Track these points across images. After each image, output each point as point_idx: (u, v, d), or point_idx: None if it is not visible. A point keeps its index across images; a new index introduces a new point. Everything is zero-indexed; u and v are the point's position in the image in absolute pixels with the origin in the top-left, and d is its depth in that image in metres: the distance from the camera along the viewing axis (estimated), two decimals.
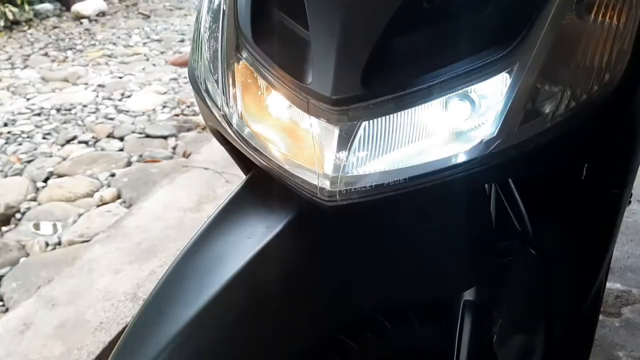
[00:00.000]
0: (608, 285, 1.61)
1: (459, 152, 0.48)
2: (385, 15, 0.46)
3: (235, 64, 0.55)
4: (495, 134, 0.47)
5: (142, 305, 0.54)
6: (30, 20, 6.14)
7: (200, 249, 0.57)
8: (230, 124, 0.57)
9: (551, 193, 0.63)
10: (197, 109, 3.41)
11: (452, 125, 0.49)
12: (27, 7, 6.18)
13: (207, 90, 0.60)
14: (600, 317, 1.51)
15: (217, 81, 0.57)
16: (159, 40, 5.34)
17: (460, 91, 0.47)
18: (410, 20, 0.46)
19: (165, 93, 3.78)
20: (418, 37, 0.47)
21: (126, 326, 1.53)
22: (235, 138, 0.57)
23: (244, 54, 0.54)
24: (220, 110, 0.57)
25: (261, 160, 0.55)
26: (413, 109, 0.47)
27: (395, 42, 0.46)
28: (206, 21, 0.61)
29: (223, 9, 0.57)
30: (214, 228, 0.58)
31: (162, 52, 4.92)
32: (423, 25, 0.47)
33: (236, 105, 0.56)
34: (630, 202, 1.29)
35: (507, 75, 0.46)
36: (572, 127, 0.48)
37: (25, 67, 4.52)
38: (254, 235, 0.55)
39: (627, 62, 0.49)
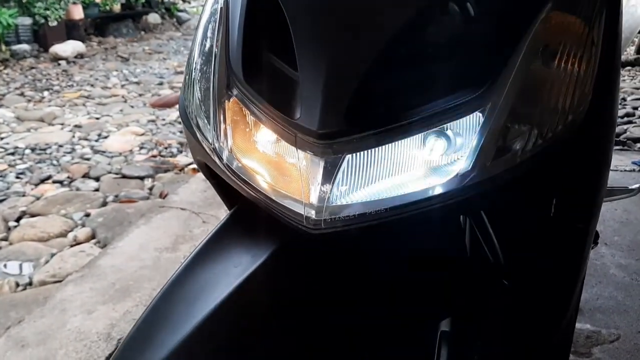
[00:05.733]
0: (578, 325, 1.64)
1: (436, 185, 0.52)
2: (369, 57, 0.50)
3: (226, 101, 0.58)
4: (469, 169, 0.51)
5: (131, 330, 0.56)
6: (7, 60, 6.15)
7: (188, 277, 0.59)
8: (220, 158, 0.60)
9: (522, 227, 0.66)
10: (174, 150, 3.43)
11: (429, 160, 0.52)
12: (3, 47, 6.20)
13: (197, 126, 0.63)
14: (572, 357, 1.54)
15: (208, 118, 0.61)
16: (137, 83, 5.39)
17: (437, 128, 0.51)
18: (392, 62, 0.51)
19: (142, 134, 3.80)
20: (398, 77, 0.51)
21: None
22: (225, 171, 0.60)
23: (235, 92, 0.57)
24: (210, 144, 0.60)
25: (250, 192, 0.58)
26: (393, 143, 0.51)
27: (377, 82, 0.50)
28: (197, 63, 0.65)
29: (215, 52, 0.61)
30: (201, 257, 0.61)
31: (140, 95, 4.96)
32: (403, 66, 0.51)
33: (226, 141, 0.59)
34: (597, 243, 1.34)
35: (480, 114, 0.51)
36: (539, 163, 0.53)
37: (0, 106, 4.50)
38: (240, 265, 0.58)
39: (588, 104, 0.53)
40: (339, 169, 0.51)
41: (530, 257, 0.65)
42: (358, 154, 0.51)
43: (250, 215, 0.63)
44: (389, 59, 0.50)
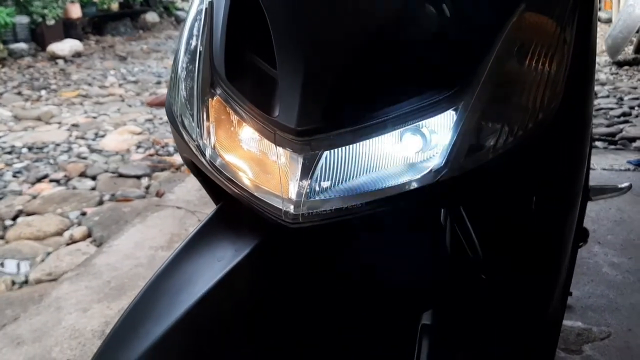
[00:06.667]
0: (570, 323, 1.65)
1: (411, 181, 0.53)
2: (346, 56, 0.51)
3: (210, 99, 0.60)
4: (443, 164, 0.52)
5: (117, 321, 0.57)
6: (4, 59, 6.15)
7: (173, 270, 0.60)
8: (204, 155, 0.61)
9: (502, 223, 0.68)
10: (171, 149, 3.44)
11: (405, 156, 0.54)
12: (1, 45, 6.20)
13: (183, 124, 0.64)
14: (562, 354, 1.55)
15: (192, 116, 0.62)
16: (134, 82, 5.40)
17: (412, 125, 0.52)
18: (368, 61, 0.52)
19: (140, 133, 3.80)
20: (375, 76, 0.52)
21: None
22: (209, 168, 0.61)
23: (218, 90, 0.59)
24: (195, 142, 0.62)
25: (232, 188, 0.59)
26: (369, 140, 0.52)
27: (354, 80, 0.52)
28: (183, 62, 0.66)
29: (200, 51, 0.62)
30: (186, 251, 0.62)
31: (137, 94, 4.97)
32: (380, 65, 0.53)
33: (210, 138, 0.60)
34: (586, 241, 1.35)
35: (454, 112, 0.52)
36: (511, 160, 0.54)
37: None
38: (224, 258, 0.59)
39: (559, 103, 0.55)
40: (316, 165, 0.53)
41: (508, 252, 0.66)
42: (335, 150, 0.53)
43: (234, 210, 0.64)
44: (365, 58, 0.51)
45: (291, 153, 0.53)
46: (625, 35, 5.38)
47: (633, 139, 3.33)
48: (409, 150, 0.53)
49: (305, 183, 0.53)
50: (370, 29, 0.52)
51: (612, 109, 4.04)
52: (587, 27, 0.57)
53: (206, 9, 0.63)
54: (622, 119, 3.82)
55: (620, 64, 5.54)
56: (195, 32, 0.65)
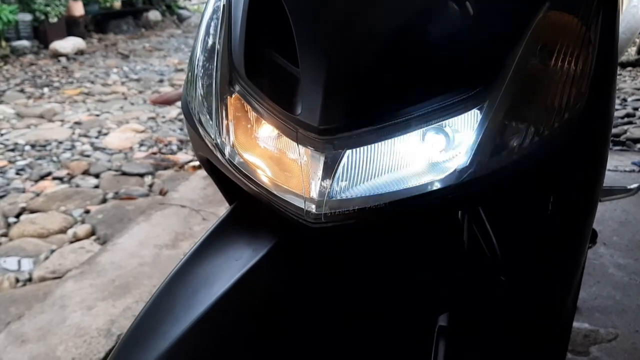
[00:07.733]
0: (577, 324, 1.65)
1: (434, 180, 0.53)
2: (369, 54, 0.51)
3: (229, 97, 0.59)
4: (467, 165, 0.52)
5: (133, 321, 0.57)
6: (7, 56, 6.15)
7: (190, 270, 0.60)
8: (222, 153, 0.60)
9: (519, 224, 0.67)
10: (174, 147, 3.44)
11: (428, 156, 0.53)
12: (3, 43, 6.21)
13: (200, 122, 0.64)
14: (570, 355, 1.54)
15: (210, 114, 0.61)
16: (137, 80, 5.39)
17: (436, 125, 0.52)
18: (392, 59, 0.51)
19: (143, 131, 3.80)
20: (398, 74, 0.52)
21: None
22: (227, 166, 0.60)
23: (237, 88, 0.58)
24: (213, 140, 0.61)
25: (251, 186, 0.59)
26: (393, 139, 0.52)
27: (377, 79, 0.51)
28: (200, 60, 0.66)
29: (217, 49, 0.62)
30: (203, 251, 0.61)
31: (140, 92, 4.96)
32: (403, 64, 0.52)
33: (229, 136, 0.60)
34: (595, 242, 1.34)
35: (478, 111, 0.51)
36: (536, 160, 0.53)
37: (0, 102, 4.50)
38: (241, 258, 0.59)
39: (584, 102, 0.54)
40: (339, 164, 0.52)
41: (526, 253, 0.66)
42: (358, 149, 0.52)
43: (251, 209, 0.64)
44: (389, 56, 0.51)
45: (313, 152, 0.53)
46: (628, 36, 5.35)
47: (637, 140, 3.32)
48: (432, 150, 0.52)
49: (327, 182, 0.53)
50: (394, 27, 0.51)
51: (616, 110, 4.04)
52: (610, 26, 0.56)
53: (224, 5, 0.63)
54: (626, 120, 3.81)
55: (623, 65, 5.53)
56: (212, 30, 0.65)
